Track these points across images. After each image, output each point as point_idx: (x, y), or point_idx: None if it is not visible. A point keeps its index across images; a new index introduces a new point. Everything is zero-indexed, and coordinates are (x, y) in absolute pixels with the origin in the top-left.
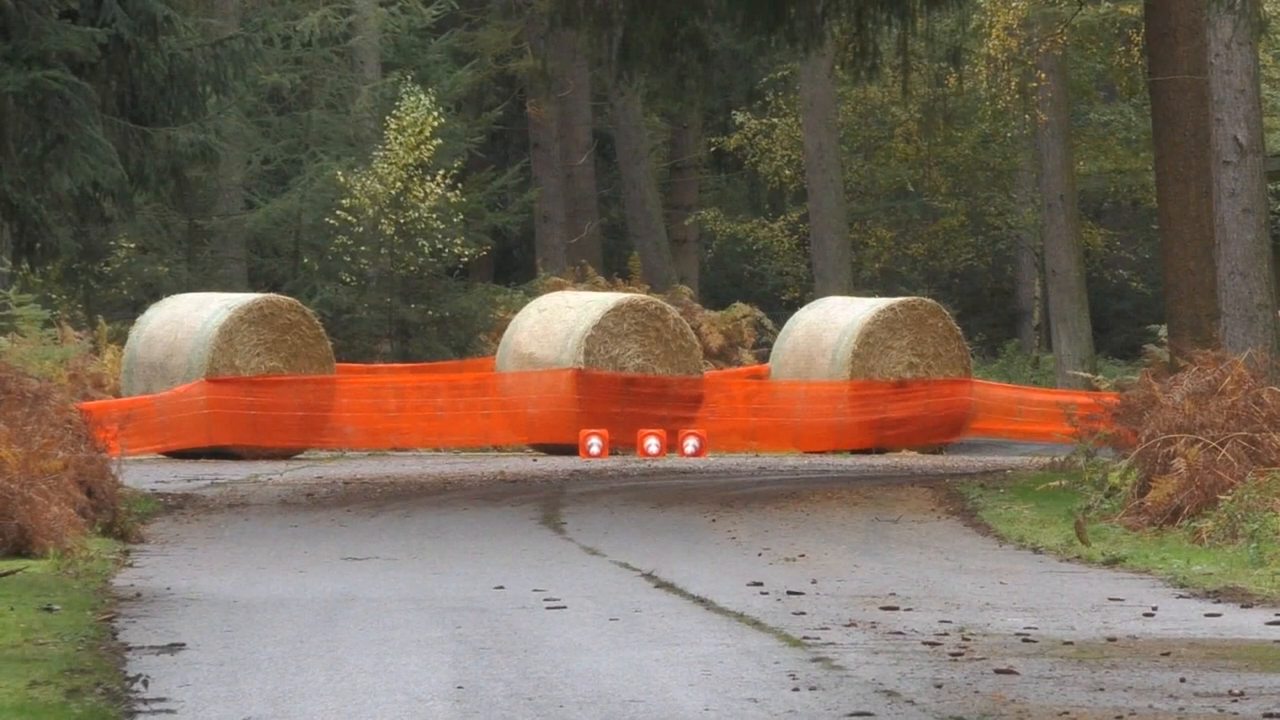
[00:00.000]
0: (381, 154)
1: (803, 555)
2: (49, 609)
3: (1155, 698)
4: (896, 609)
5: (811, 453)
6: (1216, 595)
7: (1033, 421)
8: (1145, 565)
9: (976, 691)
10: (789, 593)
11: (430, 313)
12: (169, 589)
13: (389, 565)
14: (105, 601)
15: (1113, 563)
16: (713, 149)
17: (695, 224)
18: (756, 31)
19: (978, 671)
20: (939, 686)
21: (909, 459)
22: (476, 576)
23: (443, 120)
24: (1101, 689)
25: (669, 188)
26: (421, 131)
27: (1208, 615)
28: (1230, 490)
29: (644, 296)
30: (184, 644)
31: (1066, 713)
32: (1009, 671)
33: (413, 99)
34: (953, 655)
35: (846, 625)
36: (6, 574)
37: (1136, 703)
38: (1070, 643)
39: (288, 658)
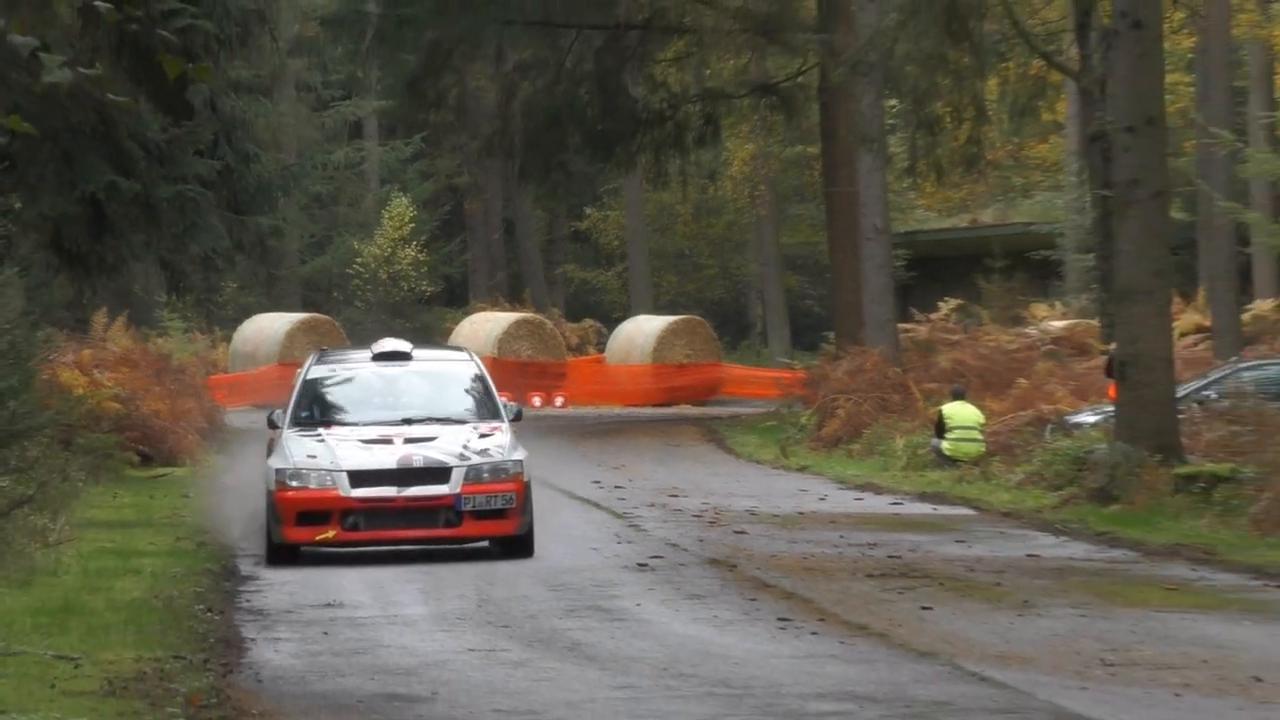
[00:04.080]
0: (380, 232)
1: (623, 465)
2: (186, 496)
3: (826, 546)
4: (677, 496)
5: (629, 406)
6: (861, 488)
7: (758, 388)
8: (820, 471)
9: (724, 543)
10: (616, 486)
11: (408, 325)
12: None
13: None
14: (218, 492)
15: (802, 469)
16: (573, 229)
17: (562, 272)
18: (598, 161)
19: (724, 532)
20: (702, 541)
21: (686, 410)
22: None
23: (415, 212)
24: (795, 542)
25: (547, 251)
26: (403, 219)
27: (856, 499)
28: (869, 427)
29: (533, 315)
30: None
31: (775, 555)
32: (742, 532)
33: (398, 200)
34: (710, 523)
35: (648, 505)
36: (163, 474)
37: (815, 550)
38: (778, 516)
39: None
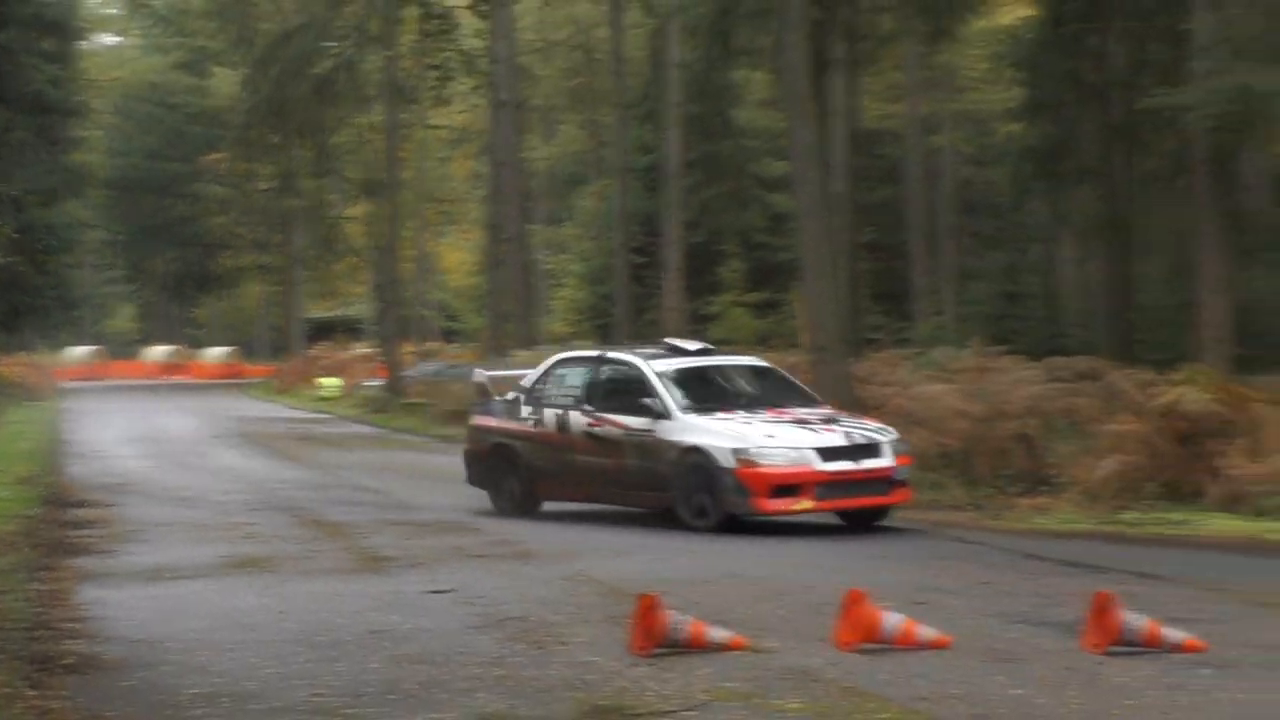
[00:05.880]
0: None
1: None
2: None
3: (279, 425)
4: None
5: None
6: (288, 408)
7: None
8: (280, 402)
9: (251, 431)
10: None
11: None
12: None
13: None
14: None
15: (271, 401)
16: None
17: None
18: None
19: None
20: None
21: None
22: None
23: None
24: (270, 424)
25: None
26: None
27: (276, 410)
28: (294, 387)
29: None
30: None
31: (278, 434)
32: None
33: None
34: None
35: None
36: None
37: (270, 429)
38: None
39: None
